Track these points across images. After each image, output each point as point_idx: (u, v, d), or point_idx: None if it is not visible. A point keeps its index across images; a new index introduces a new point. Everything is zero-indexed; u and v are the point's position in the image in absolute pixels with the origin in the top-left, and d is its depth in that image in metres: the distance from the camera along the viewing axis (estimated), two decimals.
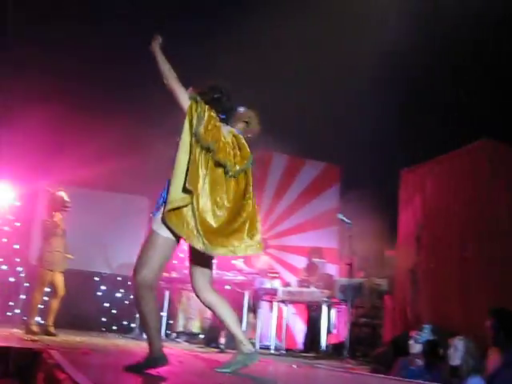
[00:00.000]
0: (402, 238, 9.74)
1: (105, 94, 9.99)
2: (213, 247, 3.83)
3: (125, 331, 10.80)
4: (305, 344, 9.45)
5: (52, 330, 8.11)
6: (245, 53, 9.15)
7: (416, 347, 5.58)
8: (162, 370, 3.93)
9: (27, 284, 10.53)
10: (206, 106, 4.00)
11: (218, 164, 3.95)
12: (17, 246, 11.02)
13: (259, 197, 11.32)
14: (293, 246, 11.33)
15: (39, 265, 8.27)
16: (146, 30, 4.36)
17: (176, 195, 3.80)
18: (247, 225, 3.98)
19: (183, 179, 3.82)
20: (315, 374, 5.27)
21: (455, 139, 9.15)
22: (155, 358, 3.87)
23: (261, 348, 8.99)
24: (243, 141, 4.16)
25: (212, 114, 4.01)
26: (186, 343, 9.36)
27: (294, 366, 5.75)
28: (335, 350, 8.26)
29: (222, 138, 4.01)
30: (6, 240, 11.08)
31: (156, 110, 8.74)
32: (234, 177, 4.02)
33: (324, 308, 8.36)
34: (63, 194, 8.39)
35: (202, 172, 3.88)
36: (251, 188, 4.07)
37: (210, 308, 4.19)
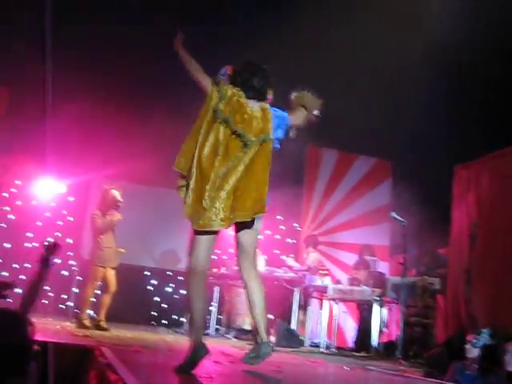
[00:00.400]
0: (456, 236, 9.53)
1: (155, 88, 10.03)
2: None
3: (174, 325, 10.87)
4: (355, 343, 9.35)
5: (103, 324, 8.20)
6: (297, 48, 9.11)
7: (473, 351, 5.42)
8: (211, 371, 3.92)
9: (80, 278, 10.68)
10: (229, 86, 4.16)
11: (235, 134, 4.03)
12: (70, 241, 11.17)
13: (310, 193, 11.25)
14: (343, 243, 11.22)
15: (91, 261, 8.36)
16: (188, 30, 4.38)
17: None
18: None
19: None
20: (368, 377, 5.18)
21: (510, 134, 8.92)
22: (197, 351, 3.87)
23: (311, 346, 8.94)
24: (270, 115, 4.21)
25: (235, 91, 4.14)
26: (235, 339, 9.35)
27: (346, 368, 5.66)
28: (387, 350, 8.13)
29: (248, 111, 4.11)
30: (59, 234, 11.27)
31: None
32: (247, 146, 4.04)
33: (375, 306, 8.24)
34: (116, 193, 8.45)
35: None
36: (266, 161, 4.15)
37: (245, 289, 4.26)
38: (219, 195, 3.91)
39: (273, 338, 7.48)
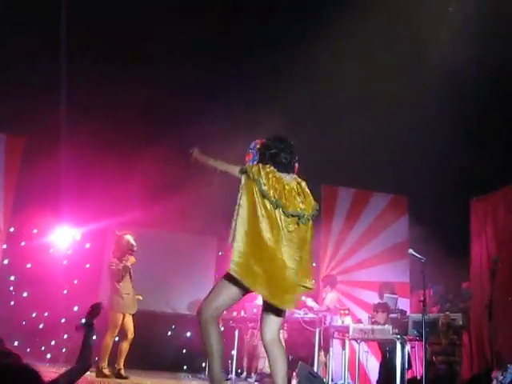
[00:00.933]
0: (476, 271, 9.46)
1: (166, 131, 10.10)
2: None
3: (195, 370, 10.77)
4: (378, 382, 9.17)
5: (123, 372, 8.13)
6: (306, 87, 9.16)
7: None
8: None
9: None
10: (259, 165, 4.22)
11: (288, 214, 4.11)
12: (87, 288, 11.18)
13: (327, 232, 11.20)
14: (363, 281, 11.09)
15: (110, 309, 8.32)
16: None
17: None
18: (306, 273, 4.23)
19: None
20: None
21: None
22: None
23: None
24: (307, 189, 4.34)
25: (267, 169, 4.20)
26: (257, 383, 9.23)
27: None
28: None
29: (286, 186, 4.17)
30: (76, 282, 11.28)
31: (219, 147, 8.85)
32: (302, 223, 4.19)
33: (398, 345, 8.09)
34: (130, 238, 8.44)
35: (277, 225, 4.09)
36: (312, 235, 4.34)
37: (267, 353, 4.23)
38: None
39: (295, 382, 7.35)
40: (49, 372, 7.67)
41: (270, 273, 3.99)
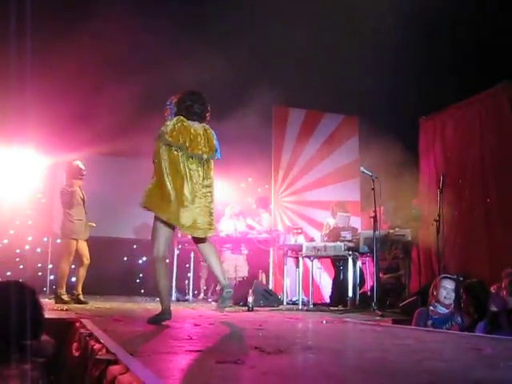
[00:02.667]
0: (424, 188, 9.70)
1: (122, 58, 9.89)
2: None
3: (152, 294, 10.95)
4: (332, 298, 9.50)
5: (82, 298, 8.22)
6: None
7: (449, 296, 5.57)
8: (192, 333, 4.00)
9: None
10: (174, 119, 5.15)
11: (191, 156, 5.08)
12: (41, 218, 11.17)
13: (278, 153, 11.28)
14: (316, 201, 11.28)
15: (63, 235, 8.33)
16: None
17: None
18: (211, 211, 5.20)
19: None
20: (344, 328, 5.29)
21: (473, 85, 9.02)
22: (163, 314, 5.06)
23: (288, 304, 9.07)
24: (212, 135, 5.28)
25: (175, 121, 5.12)
26: (215, 303, 9.44)
27: (324, 322, 5.78)
28: (363, 302, 8.28)
29: (193, 132, 5.11)
30: (29, 212, 11.21)
31: (173, 70, 8.79)
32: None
33: (349, 261, 8.36)
34: (79, 163, 8.41)
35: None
36: (212, 173, 5.25)
37: (201, 254, 5.51)
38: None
39: (251, 299, 7.56)
40: None
41: (174, 203, 4.96)
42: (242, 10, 9.05)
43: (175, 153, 5.01)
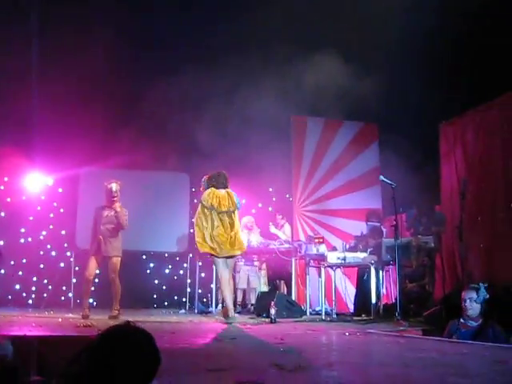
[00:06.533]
0: (446, 194, 9.61)
1: (140, 74, 9.97)
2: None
3: (176, 306, 10.96)
4: (355, 307, 9.41)
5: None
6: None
7: (474, 307, 5.44)
8: (215, 349, 3.98)
9: (77, 268, 10.72)
10: (208, 190, 8.02)
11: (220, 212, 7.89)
12: (63, 232, 11.21)
13: (298, 163, 11.25)
14: (336, 210, 11.20)
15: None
16: None
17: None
18: (235, 240, 7.91)
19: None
20: (367, 341, 5.24)
21: (491, 88, 8.93)
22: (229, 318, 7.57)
23: (311, 314, 9.01)
24: (233, 194, 8.03)
25: (209, 191, 7.98)
26: (237, 314, 9.41)
27: (347, 334, 5.72)
28: (386, 312, 8.20)
29: (220, 196, 7.94)
30: (52, 227, 11.28)
31: (193, 91, 8.86)
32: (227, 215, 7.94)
33: (372, 270, 8.28)
34: (113, 186, 8.46)
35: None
36: (237, 220, 8.04)
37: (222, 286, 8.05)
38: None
39: (273, 311, 7.53)
40: (31, 317, 7.79)
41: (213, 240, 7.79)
42: (256, 18, 9.03)
43: (207, 211, 7.87)
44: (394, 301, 8.60)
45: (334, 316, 8.52)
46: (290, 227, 10.61)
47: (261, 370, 3.38)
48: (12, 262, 10.78)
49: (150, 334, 2.34)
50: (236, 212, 7.98)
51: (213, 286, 10.38)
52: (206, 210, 7.79)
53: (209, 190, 7.94)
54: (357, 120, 11.71)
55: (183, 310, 10.29)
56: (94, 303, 9.17)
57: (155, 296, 11.68)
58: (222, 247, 7.76)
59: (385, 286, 9.38)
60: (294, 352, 4.22)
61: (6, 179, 10.72)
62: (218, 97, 9.91)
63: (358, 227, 9.79)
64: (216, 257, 7.83)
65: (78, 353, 2.41)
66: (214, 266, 10.07)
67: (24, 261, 10.94)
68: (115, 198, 8.44)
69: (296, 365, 3.31)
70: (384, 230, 9.36)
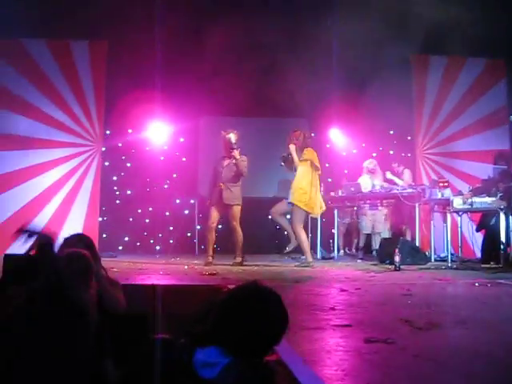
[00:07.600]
0: None
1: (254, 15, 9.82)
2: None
3: (297, 251, 11.01)
4: (483, 254, 9.05)
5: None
6: None
7: None
8: (340, 302, 3.95)
9: (201, 215, 10.99)
10: (311, 150, 8.50)
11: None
12: (186, 180, 11.50)
13: (420, 104, 10.84)
14: (461, 152, 10.74)
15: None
16: None
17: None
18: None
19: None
20: (500, 294, 5.02)
21: None
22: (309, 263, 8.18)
23: (436, 261, 8.80)
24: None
25: (313, 150, 8.54)
26: (360, 260, 9.36)
27: (476, 285, 5.51)
28: None
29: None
30: (175, 175, 11.59)
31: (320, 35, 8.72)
32: None
33: (501, 216, 7.90)
34: (231, 136, 8.49)
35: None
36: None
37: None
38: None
39: (398, 258, 7.39)
40: (159, 264, 8.08)
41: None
42: None
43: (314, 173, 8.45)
44: None
45: (461, 263, 8.26)
46: (409, 172, 10.26)
47: (389, 327, 3.31)
48: (139, 211, 11.21)
49: (278, 295, 2.30)
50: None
51: (334, 231, 10.36)
52: (313, 171, 8.34)
53: (312, 150, 8.42)
54: (482, 56, 11.05)
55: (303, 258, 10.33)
56: (218, 248, 9.32)
57: (276, 241, 11.75)
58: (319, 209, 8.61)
59: None
60: (423, 305, 4.11)
61: (129, 131, 11.03)
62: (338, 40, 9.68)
63: (485, 170, 9.33)
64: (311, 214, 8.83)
65: (204, 310, 2.42)
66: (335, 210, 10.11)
67: (150, 209, 11.33)
68: (233, 149, 8.48)
69: (426, 321, 3.21)
70: None
